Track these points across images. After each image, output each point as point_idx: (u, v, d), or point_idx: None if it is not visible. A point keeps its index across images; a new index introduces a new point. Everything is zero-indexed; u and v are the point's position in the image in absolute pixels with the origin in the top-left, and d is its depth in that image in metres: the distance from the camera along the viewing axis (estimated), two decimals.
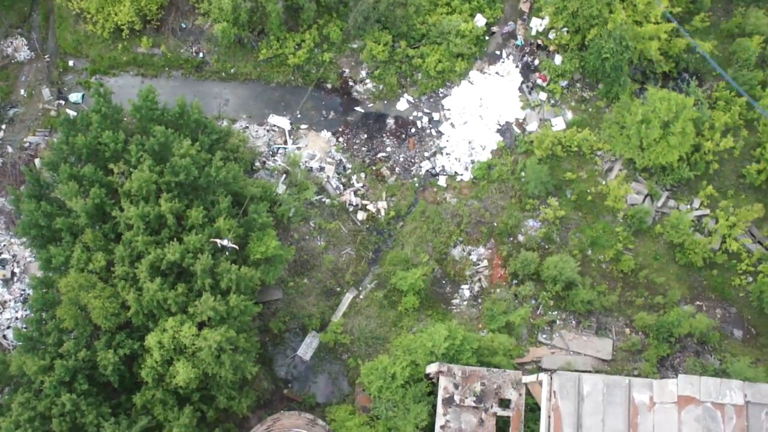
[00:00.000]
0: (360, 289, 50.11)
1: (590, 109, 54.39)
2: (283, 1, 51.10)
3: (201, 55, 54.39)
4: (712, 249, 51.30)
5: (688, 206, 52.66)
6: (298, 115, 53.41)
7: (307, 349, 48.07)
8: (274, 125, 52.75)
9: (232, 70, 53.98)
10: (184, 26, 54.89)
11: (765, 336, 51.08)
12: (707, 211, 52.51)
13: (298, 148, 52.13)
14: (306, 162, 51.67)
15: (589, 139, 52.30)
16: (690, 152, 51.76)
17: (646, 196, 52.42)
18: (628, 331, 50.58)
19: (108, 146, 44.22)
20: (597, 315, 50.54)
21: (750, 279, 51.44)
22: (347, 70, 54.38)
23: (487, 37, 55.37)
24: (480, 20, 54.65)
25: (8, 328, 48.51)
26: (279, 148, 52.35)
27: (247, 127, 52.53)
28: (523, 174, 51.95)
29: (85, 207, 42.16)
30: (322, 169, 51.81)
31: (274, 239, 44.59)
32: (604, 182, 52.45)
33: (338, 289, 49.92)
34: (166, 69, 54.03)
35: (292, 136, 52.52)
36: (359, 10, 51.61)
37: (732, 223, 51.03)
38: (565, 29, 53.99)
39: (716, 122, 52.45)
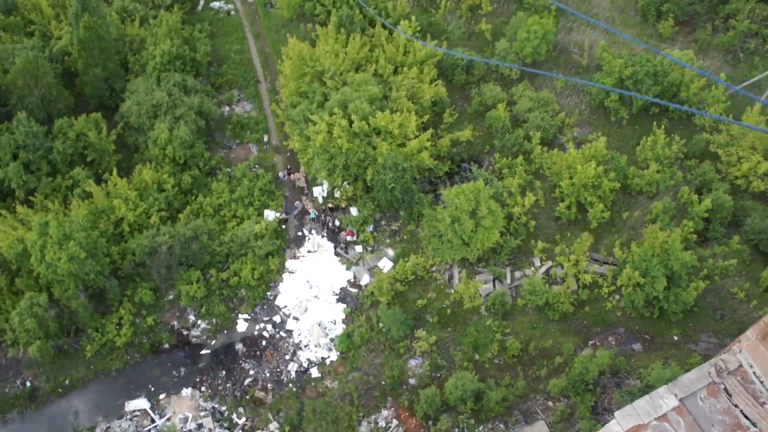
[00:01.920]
0: None
1: (405, 237, 62.36)
2: (83, 292, 55.21)
3: (28, 383, 56.48)
4: (573, 291, 59.12)
5: (532, 268, 60.52)
6: (152, 389, 56.29)
7: None
8: (134, 410, 55.40)
9: (66, 382, 56.49)
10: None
11: (659, 335, 58.75)
12: (550, 263, 60.74)
13: (168, 419, 54.82)
14: (182, 428, 54.29)
15: (419, 262, 59.66)
16: (506, 224, 60.56)
17: (494, 281, 59.87)
18: (551, 403, 56.03)
19: None
20: (517, 406, 55.79)
21: (617, 296, 59.50)
22: (176, 323, 58.87)
23: (283, 226, 62.64)
24: (269, 215, 61.94)
25: None
26: (150, 429, 54.55)
27: (109, 427, 54.63)
28: (381, 324, 57.96)
29: None
30: (200, 426, 54.71)
31: None
32: (452, 290, 59.56)
33: None
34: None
35: (156, 412, 55.28)
36: (159, 263, 56.89)
37: (574, 261, 59.57)
38: (345, 183, 62.27)
39: (511, 188, 62.05)
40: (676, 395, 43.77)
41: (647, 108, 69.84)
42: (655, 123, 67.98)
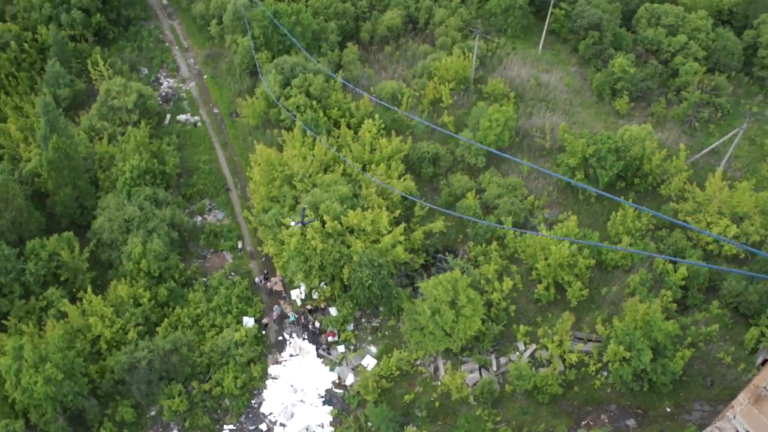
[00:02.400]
0: None
1: (387, 333, 63.52)
2: (62, 415, 55.20)
3: None
4: (560, 373, 60.14)
5: (517, 353, 61.65)
6: None
7: None
8: None
9: None
10: None
11: (652, 409, 59.64)
12: (534, 346, 62.00)
13: None
14: None
15: (403, 357, 60.69)
16: (487, 311, 62.01)
17: (480, 370, 60.74)
18: None
19: None
20: None
21: (605, 373, 60.57)
22: None
23: (263, 332, 63.53)
24: (249, 322, 62.99)
25: None
26: None
27: None
28: (369, 423, 58.26)
29: None
30: None
31: None
32: (439, 383, 60.33)
33: None
34: None
35: None
36: (138, 379, 57.39)
37: (558, 341, 60.89)
38: (323, 283, 63.70)
39: (488, 274, 63.91)
40: None
41: (613, 183, 72.87)
42: (623, 197, 70.79)
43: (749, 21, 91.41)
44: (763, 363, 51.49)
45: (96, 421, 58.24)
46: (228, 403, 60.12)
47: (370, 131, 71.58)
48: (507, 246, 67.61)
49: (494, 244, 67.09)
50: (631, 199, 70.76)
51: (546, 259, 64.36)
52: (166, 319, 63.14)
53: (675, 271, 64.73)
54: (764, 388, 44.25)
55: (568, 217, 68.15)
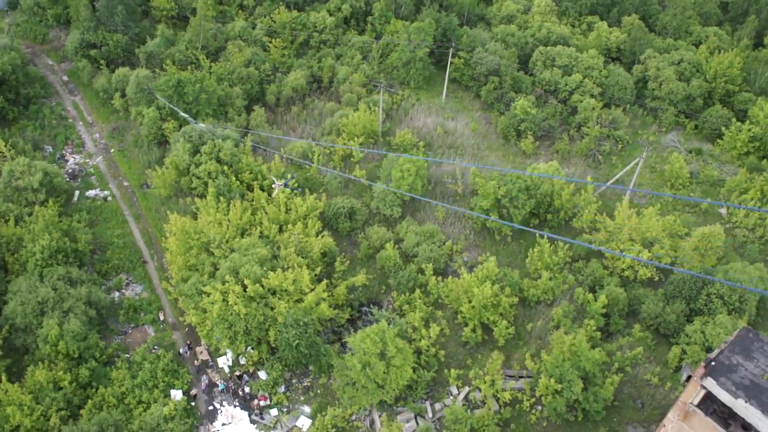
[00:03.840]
0: None
1: (319, 391, 63.46)
2: None
3: None
4: (495, 412, 61.21)
5: (451, 397, 62.49)
6: None
7: None
8: None
9: None
10: None
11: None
12: (467, 389, 63.06)
13: None
14: None
15: (337, 414, 60.77)
16: (416, 359, 62.76)
17: (415, 418, 61.26)
18: None
19: None
20: None
21: (539, 407, 61.96)
22: None
23: (192, 403, 62.37)
24: (177, 394, 61.82)
25: None
26: None
27: None
28: None
29: None
30: None
31: None
32: None
33: None
34: None
35: None
36: None
37: (490, 381, 62.13)
38: (249, 348, 63.55)
39: (414, 322, 64.98)
40: None
41: (527, 221, 75.58)
42: (537, 234, 73.42)
43: (636, 57, 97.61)
44: (688, 379, 53.76)
45: None
46: None
47: (283, 192, 72.36)
48: (430, 293, 68.96)
49: (417, 291, 68.30)
50: (545, 236, 73.37)
51: (470, 301, 65.88)
52: (89, 401, 61.12)
53: (595, 300, 67.24)
54: (691, 404, 46.11)
55: (488, 258, 70.12)
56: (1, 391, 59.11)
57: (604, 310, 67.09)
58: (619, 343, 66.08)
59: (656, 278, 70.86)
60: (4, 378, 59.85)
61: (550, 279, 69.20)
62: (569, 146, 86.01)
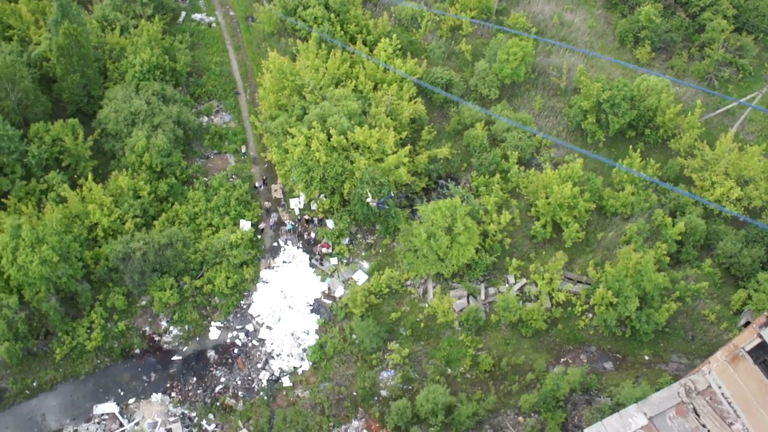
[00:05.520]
0: None
1: (381, 251, 65.27)
2: (55, 295, 57.20)
3: None
4: (546, 309, 62.23)
5: (507, 285, 63.60)
6: (122, 393, 58.35)
7: None
8: (103, 414, 57.35)
9: (34, 384, 58.29)
10: None
11: (630, 354, 61.85)
12: (524, 281, 63.90)
13: (137, 424, 56.78)
14: None
15: (394, 276, 62.56)
16: (482, 241, 63.57)
17: (468, 297, 62.81)
18: (521, 419, 58.78)
19: None
20: (488, 421, 58.48)
21: (590, 315, 62.64)
22: (147, 328, 60.99)
23: (259, 236, 65.26)
24: (245, 225, 64.66)
25: None
26: None
27: (76, 430, 56.30)
28: (354, 336, 60.46)
29: None
30: (169, 431, 56.33)
31: None
32: (426, 305, 62.36)
33: None
34: None
35: (125, 416, 57.29)
36: (132, 269, 59.12)
37: (548, 279, 62.70)
38: (322, 195, 65.17)
39: (487, 205, 65.26)
40: (645, 414, 46.59)
41: (623, 131, 73.80)
42: (631, 146, 71.82)
43: None
44: (746, 325, 53.33)
45: (87, 304, 60.41)
46: (217, 301, 62.35)
47: (385, 50, 72.05)
48: (510, 180, 68.89)
49: (497, 176, 68.31)
50: (639, 150, 71.68)
51: (547, 197, 65.73)
52: (164, 214, 64.78)
53: (673, 225, 66.20)
54: (743, 349, 45.94)
55: (574, 159, 69.25)
56: (86, 189, 62.78)
57: (680, 237, 66.05)
58: (686, 273, 65.40)
59: (741, 219, 68.93)
60: (90, 177, 63.40)
61: (633, 194, 68.14)
62: (686, 64, 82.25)
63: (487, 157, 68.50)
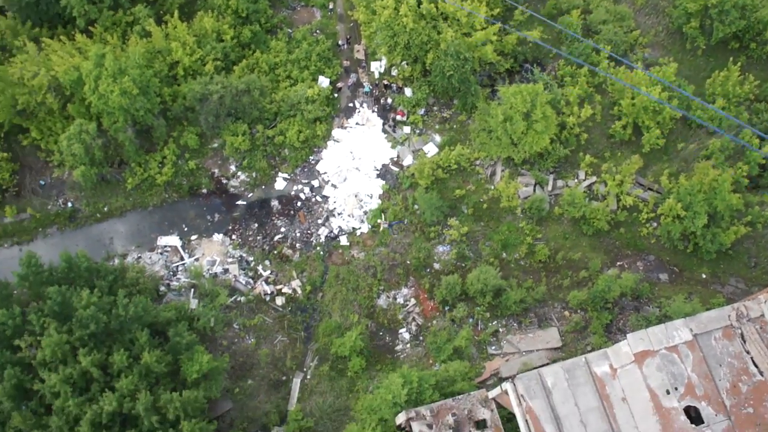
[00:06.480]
0: (305, 370, 57.17)
1: (455, 126, 64.71)
2: (131, 127, 58.76)
3: (69, 204, 61.30)
4: (611, 210, 61.52)
5: (576, 180, 63.08)
6: (186, 228, 60.67)
7: None
8: (166, 246, 59.94)
9: (105, 209, 61.02)
10: (43, 183, 61.83)
11: (688, 270, 61.25)
12: (594, 179, 63.10)
13: (197, 260, 59.21)
14: (208, 270, 58.82)
15: (464, 153, 62.21)
16: (558, 132, 62.53)
17: (535, 185, 62.46)
18: (567, 313, 59.36)
19: (6, 324, 49.32)
20: (534, 310, 59.25)
21: (654, 224, 61.95)
22: (216, 170, 62.52)
23: (335, 95, 65.31)
24: (324, 81, 64.59)
25: None
26: (178, 266, 59.33)
27: (140, 257, 59.39)
28: (416, 206, 61.07)
29: (4, 391, 46.53)
30: (226, 271, 59.02)
31: (205, 354, 50.78)
32: (492, 187, 62.24)
33: (284, 377, 56.82)
34: (40, 229, 60.52)
35: (186, 250, 59.73)
36: (208, 111, 60.01)
37: (619, 181, 61.61)
38: (404, 62, 64.27)
39: (570, 97, 63.69)
40: (691, 330, 46.80)
41: (727, 41, 70.00)
42: (731, 58, 68.27)
43: None
44: None
45: (162, 139, 61.96)
46: (287, 153, 63.26)
47: None
48: (597, 74, 66.52)
49: (585, 68, 65.98)
50: (740, 63, 68.11)
51: (633, 98, 63.54)
52: (244, 60, 64.84)
53: (760, 147, 63.62)
54: None
55: (668, 63, 66.37)
56: (171, 26, 62.86)
57: (763, 161, 63.58)
58: (763, 199, 63.35)
59: None
60: (176, 15, 63.30)
61: (723, 108, 65.29)
62: None
63: (578, 46, 66.02)
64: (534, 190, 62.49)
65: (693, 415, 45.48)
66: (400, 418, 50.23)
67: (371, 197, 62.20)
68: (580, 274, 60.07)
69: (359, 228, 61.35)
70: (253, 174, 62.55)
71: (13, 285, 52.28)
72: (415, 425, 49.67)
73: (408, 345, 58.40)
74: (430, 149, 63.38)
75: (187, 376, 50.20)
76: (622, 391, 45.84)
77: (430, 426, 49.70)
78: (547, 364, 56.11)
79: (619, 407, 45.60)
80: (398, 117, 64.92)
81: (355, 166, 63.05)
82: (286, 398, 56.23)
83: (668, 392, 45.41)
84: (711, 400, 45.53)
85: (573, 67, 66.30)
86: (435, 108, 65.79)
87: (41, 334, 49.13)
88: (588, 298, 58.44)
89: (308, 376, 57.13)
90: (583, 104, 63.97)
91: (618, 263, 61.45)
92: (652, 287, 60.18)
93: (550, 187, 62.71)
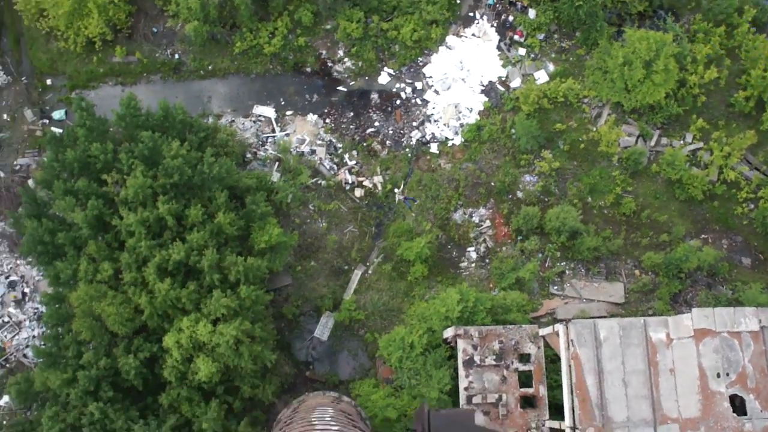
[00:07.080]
0: (367, 264, 58.21)
1: (571, 59, 62.75)
2: None
3: (177, 56, 62.44)
4: (710, 181, 59.40)
5: (681, 142, 60.85)
6: (282, 103, 61.27)
7: (323, 329, 55.89)
8: (260, 115, 60.81)
9: (209, 67, 61.96)
10: (155, 31, 62.93)
11: None
12: (701, 144, 60.73)
13: (287, 135, 60.06)
14: (296, 147, 59.70)
15: (574, 88, 60.52)
16: (676, 88, 59.99)
17: (638, 137, 60.53)
18: (637, 272, 58.45)
19: (98, 158, 51.57)
20: (605, 260, 58.43)
21: (751, 206, 59.74)
22: (324, 52, 62.46)
23: (458, 1, 63.36)
24: None
25: (27, 347, 56.05)
26: (268, 137, 60.33)
27: (233, 121, 60.50)
28: (513, 131, 60.10)
29: (85, 219, 49.06)
30: (313, 152, 59.76)
31: (276, 227, 52.05)
32: (594, 129, 60.59)
33: (346, 267, 58.09)
34: (144, 75, 62.05)
35: (279, 124, 60.59)
36: None
37: (726, 153, 59.16)
38: None
39: (698, 55, 60.64)
40: (760, 321, 45.46)
41: None
42: None
43: None
44: None
45: (277, 10, 61.44)
46: (397, 50, 62.47)
47: None
48: (734, 37, 62.60)
49: (722, 28, 62.05)
50: None
51: (765, 70, 60.01)
52: None
53: None
54: None
55: None
56: None
57: None
58: None
59: None
60: None
61: None
62: None
63: (720, 3, 62.18)
64: (636, 142, 60.58)
65: (737, 405, 44.84)
66: (448, 333, 51.03)
67: (471, 111, 61.36)
68: (661, 237, 58.67)
69: (452, 139, 60.88)
70: (360, 63, 62.24)
71: (111, 122, 54.14)
72: (461, 342, 50.48)
73: (473, 264, 58.64)
74: (541, 76, 61.71)
75: (255, 245, 51.66)
76: (672, 362, 45.45)
77: (474, 347, 50.45)
78: (605, 317, 55.95)
79: (664, 377, 45.30)
80: (516, 37, 63.05)
81: (461, 77, 61.99)
82: (343, 287, 57.62)
83: (719, 375, 44.77)
84: (760, 395, 44.70)
85: (709, 24, 62.61)
86: (555, 36, 63.56)
87: (128, 174, 51.11)
88: (662, 263, 57.23)
89: (369, 271, 58.24)
90: (710, 65, 60.75)
91: (702, 235, 59.74)
92: (732, 268, 58.48)
93: (653, 143, 60.66)
